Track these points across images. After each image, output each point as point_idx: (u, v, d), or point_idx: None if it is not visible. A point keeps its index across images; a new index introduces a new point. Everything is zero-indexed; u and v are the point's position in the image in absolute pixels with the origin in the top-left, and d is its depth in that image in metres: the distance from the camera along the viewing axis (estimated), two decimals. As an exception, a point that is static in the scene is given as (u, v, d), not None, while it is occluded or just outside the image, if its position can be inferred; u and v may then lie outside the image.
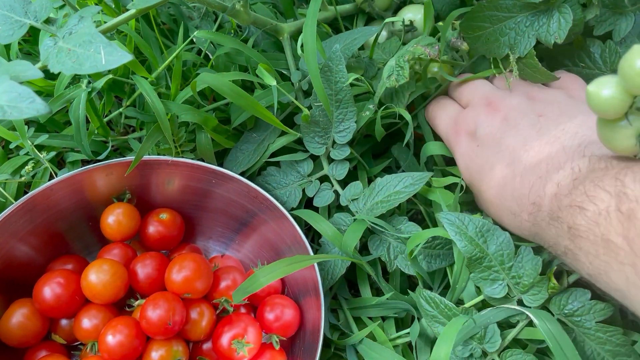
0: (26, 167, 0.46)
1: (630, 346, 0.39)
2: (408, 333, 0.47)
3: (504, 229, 0.42)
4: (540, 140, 0.39)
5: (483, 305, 0.43)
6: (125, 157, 0.50)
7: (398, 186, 0.45)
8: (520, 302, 0.41)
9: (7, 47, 0.52)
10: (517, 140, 0.40)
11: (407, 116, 0.47)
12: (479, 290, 0.44)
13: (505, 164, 0.40)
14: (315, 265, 0.45)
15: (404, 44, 0.53)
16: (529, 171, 0.38)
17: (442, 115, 0.47)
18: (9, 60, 0.42)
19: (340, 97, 0.46)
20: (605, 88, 0.30)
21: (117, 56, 0.32)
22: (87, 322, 0.47)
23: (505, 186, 0.40)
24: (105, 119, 0.54)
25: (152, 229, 0.52)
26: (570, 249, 0.34)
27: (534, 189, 0.37)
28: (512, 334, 0.42)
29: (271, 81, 0.43)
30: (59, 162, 0.56)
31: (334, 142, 0.49)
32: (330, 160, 0.50)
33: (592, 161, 0.34)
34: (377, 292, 0.51)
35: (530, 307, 0.41)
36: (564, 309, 0.40)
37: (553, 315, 0.41)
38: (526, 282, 0.40)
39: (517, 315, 0.41)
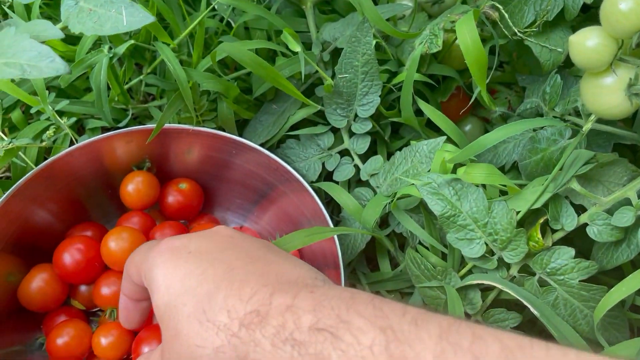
0: (47, 132, 0.46)
1: (617, 304, 0.37)
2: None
3: None
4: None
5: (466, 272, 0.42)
6: (145, 125, 0.50)
7: (416, 157, 0.44)
8: (500, 260, 0.40)
9: (28, 9, 0.52)
10: None
11: (453, 73, 0.45)
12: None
13: None
14: (336, 238, 0.45)
15: (430, 17, 0.52)
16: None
17: None
18: (31, 22, 0.41)
19: (367, 69, 0.45)
20: (589, 38, 0.30)
21: (139, 17, 0.31)
22: (106, 288, 0.47)
23: None
24: (126, 87, 0.53)
25: (172, 198, 0.52)
26: None
27: None
28: (492, 295, 0.41)
29: (296, 47, 0.42)
30: (79, 129, 0.56)
31: (356, 116, 0.48)
32: (351, 134, 0.50)
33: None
34: (395, 267, 0.50)
35: (510, 264, 0.40)
36: (546, 268, 0.39)
37: (535, 274, 0.40)
38: (503, 237, 0.39)
39: (498, 273, 0.41)
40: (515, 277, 0.40)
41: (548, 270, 0.38)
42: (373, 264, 0.54)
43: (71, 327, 0.45)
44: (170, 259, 0.33)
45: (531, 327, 0.44)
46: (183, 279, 0.31)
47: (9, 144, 0.44)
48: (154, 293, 0.33)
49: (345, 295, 0.27)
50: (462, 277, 0.41)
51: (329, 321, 0.26)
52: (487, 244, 0.39)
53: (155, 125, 0.46)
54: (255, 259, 0.32)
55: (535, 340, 0.23)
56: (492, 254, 0.40)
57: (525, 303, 0.37)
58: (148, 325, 0.44)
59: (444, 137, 0.43)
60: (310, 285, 0.30)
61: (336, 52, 0.49)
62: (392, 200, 0.44)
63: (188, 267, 0.32)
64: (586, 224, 0.37)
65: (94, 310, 0.51)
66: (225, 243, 0.34)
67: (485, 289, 0.41)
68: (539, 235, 0.37)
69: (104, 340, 0.45)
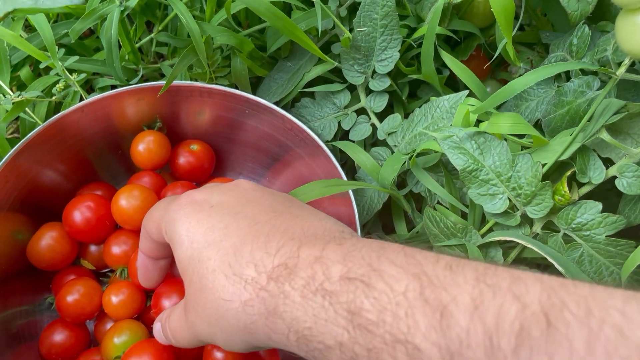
0: (57, 86, 0.45)
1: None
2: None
3: None
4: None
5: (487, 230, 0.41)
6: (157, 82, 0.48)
7: (436, 113, 0.43)
8: (524, 217, 0.39)
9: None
10: None
11: (475, 29, 0.43)
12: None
13: None
14: (352, 198, 0.44)
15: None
16: None
17: None
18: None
19: (386, 22, 0.44)
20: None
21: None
22: (116, 248, 0.46)
23: None
24: (136, 46, 0.52)
25: (183, 159, 0.51)
26: None
27: None
28: (513, 253, 0.40)
29: (314, -3, 0.41)
30: (88, 90, 0.55)
31: (373, 72, 0.47)
32: (368, 92, 0.48)
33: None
34: (411, 230, 0.49)
35: (534, 221, 0.39)
36: (571, 223, 0.37)
37: (559, 230, 0.38)
38: (527, 191, 0.37)
39: (521, 230, 0.40)
40: (538, 234, 0.39)
41: (573, 226, 0.37)
42: (387, 229, 0.53)
43: (81, 285, 0.44)
44: (192, 212, 0.32)
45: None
46: (206, 232, 0.31)
47: (18, 96, 0.43)
48: (176, 247, 0.32)
49: (375, 245, 0.27)
50: (482, 236, 0.40)
51: (360, 270, 0.25)
52: (510, 199, 0.38)
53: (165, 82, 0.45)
54: (280, 213, 0.31)
55: (578, 280, 0.22)
56: (515, 210, 0.39)
57: (550, 259, 0.36)
58: (167, 280, 0.43)
59: (466, 92, 0.42)
60: (338, 237, 0.29)
61: (353, 8, 0.47)
62: (411, 157, 0.42)
63: (211, 220, 0.31)
64: (614, 177, 0.36)
65: (104, 271, 0.50)
66: (247, 197, 0.33)
67: (507, 248, 0.40)
68: (566, 189, 0.36)
69: (115, 299, 0.44)
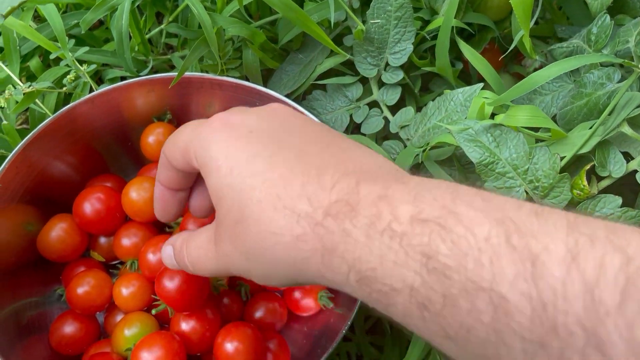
0: (68, 76, 0.45)
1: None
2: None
3: None
4: None
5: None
6: (167, 73, 0.48)
7: (450, 106, 0.42)
8: None
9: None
10: None
11: (489, 22, 0.43)
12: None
13: None
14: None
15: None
16: None
17: None
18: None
19: (400, 14, 0.43)
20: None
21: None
22: (126, 240, 0.46)
23: None
24: (146, 37, 0.52)
25: (192, 151, 0.51)
26: None
27: None
28: None
29: (328, -12, 0.40)
30: (97, 82, 0.55)
31: (386, 65, 0.46)
32: (381, 85, 0.48)
33: None
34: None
35: None
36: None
37: None
38: (545, 184, 0.37)
39: None
40: None
41: None
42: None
43: (91, 277, 0.44)
44: (230, 137, 0.29)
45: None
46: (249, 160, 0.28)
47: (28, 87, 0.43)
48: (212, 174, 0.29)
49: (444, 186, 0.24)
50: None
51: (434, 212, 0.22)
52: (527, 192, 0.37)
53: (177, 73, 0.45)
54: (327, 145, 0.28)
55: None
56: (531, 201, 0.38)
57: None
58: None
59: (481, 84, 0.41)
60: (398, 175, 0.26)
61: (367, 0, 0.47)
62: (424, 150, 0.42)
63: (253, 148, 0.28)
64: (635, 171, 0.36)
65: (113, 263, 0.50)
66: (288, 124, 0.30)
67: None
68: (585, 182, 0.35)
69: (125, 291, 0.44)
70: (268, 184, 0.27)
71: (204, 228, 0.32)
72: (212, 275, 0.32)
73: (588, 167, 0.36)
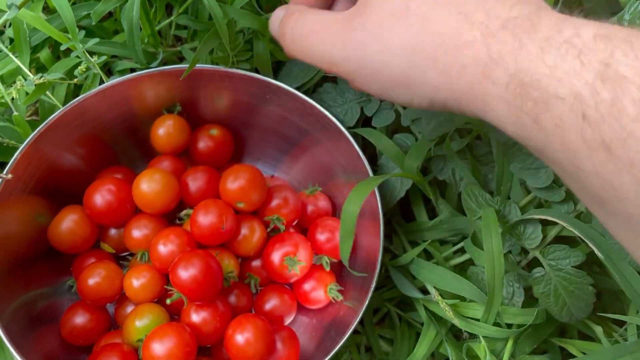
0: (80, 67, 0.44)
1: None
2: (456, 253, 0.46)
3: None
4: None
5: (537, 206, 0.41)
6: (178, 65, 0.48)
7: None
8: (569, 192, 0.39)
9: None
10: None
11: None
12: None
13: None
14: (376, 188, 0.43)
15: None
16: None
17: None
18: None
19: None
20: None
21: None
22: (137, 232, 0.46)
23: None
24: (156, 28, 0.51)
25: (202, 144, 0.51)
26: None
27: None
28: (555, 229, 0.39)
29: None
30: (106, 73, 0.54)
31: (398, 57, 0.46)
32: (392, 78, 0.47)
33: None
34: (432, 218, 0.49)
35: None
36: None
37: None
38: None
39: (564, 207, 0.39)
40: (582, 212, 0.38)
41: None
42: (406, 218, 0.52)
43: (102, 268, 0.44)
44: None
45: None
46: None
47: (40, 78, 0.43)
48: None
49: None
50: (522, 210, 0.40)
51: (619, 33, 0.22)
52: (554, 173, 0.38)
53: (187, 65, 0.45)
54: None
55: None
56: (560, 185, 0.38)
57: (587, 241, 0.35)
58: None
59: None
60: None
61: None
62: (438, 143, 0.42)
63: None
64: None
65: (123, 254, 0.50)
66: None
67: (546, 224, 0.40)
68: None
69: (136, 282, 0.44)
70: None
71: (339, 14, 0.30)
72: (314, 62, 0.30)
73: None
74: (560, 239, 0.40)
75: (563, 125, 0.22)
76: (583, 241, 0.37)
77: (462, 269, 0.45)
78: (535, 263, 0.41)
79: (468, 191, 0.41)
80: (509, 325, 0.42)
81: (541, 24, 0.24)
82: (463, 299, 0.44)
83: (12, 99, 0.45)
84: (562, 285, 0.39)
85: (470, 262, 0.44)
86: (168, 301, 0.41)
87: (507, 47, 0.24)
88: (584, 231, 0.36)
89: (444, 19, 0.26)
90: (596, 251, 0.35)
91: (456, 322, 0.41)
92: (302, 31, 0.31)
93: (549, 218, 0.37)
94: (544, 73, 0.23)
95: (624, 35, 0.22)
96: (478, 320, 0.42)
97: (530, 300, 0.42)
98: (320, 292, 0.47)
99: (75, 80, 0.46)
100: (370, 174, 0.44)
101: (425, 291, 0.46)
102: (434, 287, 0.44)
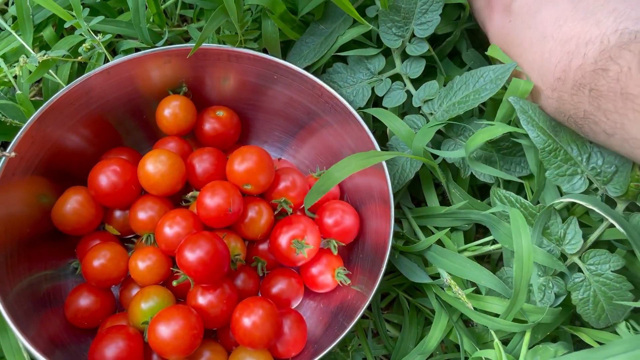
0: (84, 45, 0.43)
1: None
2: (477, 246, 0.45)
3: None
4: (575, 17, 0.37)
5: (568, 212, 0.40)
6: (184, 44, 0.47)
7: (479, 82, 0.41)
8: (604, 198, 0.38)
9: None
10: (551, 15, 0.39)
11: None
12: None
13: (536, 39, 0.39)
14: (385, 169, 0.42)
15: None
16: (559, 48, 0.37)
17: None
18: None
19: (427, -18, 0.42)
20: None
21: None
22: (142, 213, 0.46)
23: (532, 62, 0.39)
24: (161, 7, 0.50)
25: (209, 125, 0.50)
26: (589, 111, 0.35)
27: (560, 65, 0.37)
28: (594, 234, 0.39)
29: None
30: (111, 53, 0.53)
31: (412, 36, 0.45)
32: (404, 58, 0.46)
33: (623, 34, 0.33)
34: (440, 203, 0.48)
35: (616, 203, 0.38)
36: None
37: None
38: (608, 169, 0.38)
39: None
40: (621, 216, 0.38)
41: None
42: (415, 202, 0.51)
43: (107, 250, 0.44)
44: (495, 26, 0.41)
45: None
46: (509, 48, 0.40)
47: (44, 55, 0.42)
48: None
49: None
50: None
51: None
52: (589, 179, 0.37)
53: (193, 45, 0.44)
54: (564, 20, 0.37)
55: None
56: (596, 190, 0.38)
57: (621, 230, 0.35)
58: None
59: (515, 63, 0.40)
60: (607, 44, 0.34)
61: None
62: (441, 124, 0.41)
63: (510, 38, 0.40)
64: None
65: (128, 237, 0.49)
66: (539, 1, 0.39)
67: (587, 232, 0.40)
68: (639, 172, 0.35)
69: (142, 264, 0.43)
70: (521, 67, 0.40)
71: None
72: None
73: None
74: (602, 245, 0.40)
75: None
76: (622, 243, 0.37)
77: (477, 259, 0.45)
78: (571, 270, 0.41)
79: (498, 194, 0.40)
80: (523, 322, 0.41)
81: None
82: (478, 292, 0.43)
83: (15, 77, 0.44)
84: (601, 291, 0.39)
85: (480, 259, 0.44)
86: (174, 283, 0.40)
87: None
88: (617, 219, 0.35)
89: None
90: (619, 227, 0.34)
91: (470, 305, 0.40)
92: None
93: (577, 201, 0.37)
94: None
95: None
96: (492, 314, 0.41)
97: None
98: (328, 276, 0.46)
99: (80, 58, 0.45)
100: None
101: (435, 278, 0.45)
102: (449, 274, 0.43)
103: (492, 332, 0.42)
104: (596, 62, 0.34)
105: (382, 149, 0.47)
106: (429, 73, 0.49)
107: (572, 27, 0.37)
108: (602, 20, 0.35)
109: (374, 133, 0.49)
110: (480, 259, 0.50)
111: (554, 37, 0.38)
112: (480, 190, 0.49)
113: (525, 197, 0.43)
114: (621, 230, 0.35)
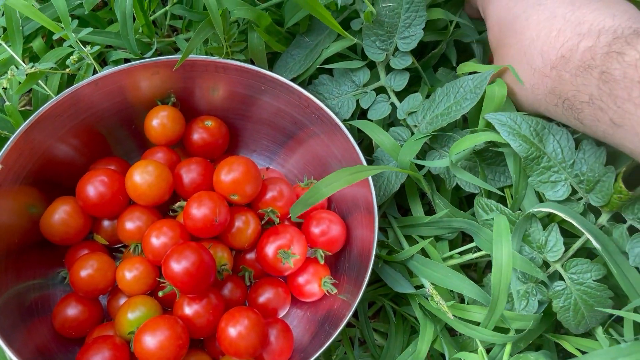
0: (72, 57, 0.44)
1: None
2: (460, 254, 0.45)
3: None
4: (590, 6, 0.37)
5: (549, 219, 0.40)
6: (172, 56, 0.47)
7: (459, 93, 0.42)
8: (587, 206, 0.39)
9: None
10: (565, 0, 0.38)
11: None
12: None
13: (545, 17, 0.38)
14: (371, 181, 0.43)
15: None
16: (570, 28, 0.37)
17: None
18: None
19: (411, -3, 0.42)
20: None
21: None
22: (130, 223, 0.46)
23: (535, 39, 0.38)
24: (150, 18, 0.51)
25: (197, 135, 0.50)
26: (596, 95, 0.34)
27: (567, 44, 0.36)
28: (577, 243, 0.39)
29: (337, -31, 0.39)
30: (100, 64, 0.54)
31: (395, 50, 0.45)
32: (388, 70, 0.47)
33: (638, 31, 0.33)
34: (426, 214, 0.48)
35: (601, 212, 0.38)
36: (638, 214, 0.37)
37: (625, 222, 0.38)
38: (591, 177, 0.38)
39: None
40: (604, 226, 0.39)
41: None
42: (401, 211, 0.52)
43: (95, 260, 0.44)
44: (502, 0, 0.41)
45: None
46: (512, 22, 0.40)
47: (32, 67, 0.42)
48: (488, 28, 0.43)
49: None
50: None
51: (619, 46, 0.32)
52: (572, 186, 0.38)
53: (181, 56, 0.44)
54: (577, 6, 0.37)
55: None
56: (576, 195, 0.39)
57: (591, 239, 0.35)
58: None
59: (492, 71, 0.41)
60: (621, 34, 0.33)
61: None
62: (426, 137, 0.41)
63: (516, 11, 0.40)
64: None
65: (116, 246, 0.49)
66: None
67: (567, 242, 0.40)
68: (622, 185, 0.36)
69: (129, 274, 0.44)
70: (520, 44, 0.39)
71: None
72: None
73: (624, 169, 0.36)
74: (583, 253, 0.41)
75: (592, 120, 0.34)
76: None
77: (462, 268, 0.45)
78: (553, 278, 0.41)
79: (481, 202, 0.41)
80: (506, 330, 0.42)
81: (573, 57, 0.35)
82: (464, 301, 0.44)
83: (4, 88, 0.45)
84: (582, 299, 0.39)
85: (466, 267, 0.44)
86: (160, 294, 0.41)
87: (554, 82, 0.37)
88: (583, 224, 0.36)
89: (517, 70, 0.40)
90: (593, 242, 0.35)
91: (450, 315, 0.41)
92: None
93: (553, 211, 0.38)
94: (574, 90, 0.35)
95: (618, 48, 0.32)
96: (475, 323, 0.42)
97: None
98: (315, 285, 0.47)
99: (68, 70, 0.45)
100: (364, 164, 0.44)
101: (419, 288, 0.45)
102: (431, 284, 0.43)
103: (477, 341, 0.42)
104: (610, 45, 0.33)
105: (368, 160, 0.47)
106: (415, 82, 0.50)
107: (585, 13, 0.36)
108: (618, 15, 0.35)
109: (360, 143, 0.50)
110: (467, 267, 0.51)
111: (565, 18, 0.37)
112: (467, 200, 0.49)
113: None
114: (596, 245, 0.36)
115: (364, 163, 0.44)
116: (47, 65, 0.44)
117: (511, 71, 0.39)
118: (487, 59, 0.50)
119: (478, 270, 0.50)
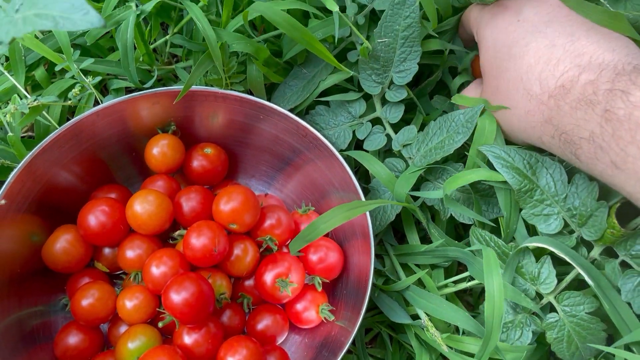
0: (73, 90, 0.45)
1: None
2: (455, 282, 0.46)
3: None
4: (589, 38, 0.36)
5: (540, 252, 0.41)
6: (171, 86, 0.48)
7: (452, 126, 0.43)
8: (580, 239, 0.40)
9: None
10: (564, 30, 0.38)
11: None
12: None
13: (544, 45, 0.38)
14: (367, 212, 0.44)
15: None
16: (569, 58, 0.36)
17: None
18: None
19: (407, 33, 0.43)
20: None
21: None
22: (130, 252, 0.47)
23: (534, 65, 0.38)
24: (151, 47, 0.52)
25: (197, 163, 0.51)
26: (597, 134, 0.33)
27: (567, 74, 0.36)
28: (570, 275, 0.40)
29: (333, 7, 0.40)
30: (102, 91, 0.55)
31: (391, 83, 0.46)
32: (384, 102, 0.48)
33: (637, 68, 0.33)
34: (422, 240, 0.49)
35: (593, 246, 0.39)
36: (631, 250, 0.38)
37: (618, 256, 0.39)
38: (583, 212, 0.38)
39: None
40: (596, 259, 0.39)
41: (633, 253, 0.37)
42: (398, 237, 0.53)
43: (96, 289, 0.45)
44: (500, 24, 0.41)
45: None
46: (510, 46, 0.39)
47: (34, 100, 0.43)
48: (482, 50, 0.42)
49: None
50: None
51: (624, 85, 0.31)
52: (565, 220, 0.39)
53: (181, 87, 0.45)
54: (577, 38, 0.37)
55: None
56: (568, 229, 0.39)
57: (583, 274, 0.36)
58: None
59: (482, 105, 0.41)
60: (622, 70, 0.33)
61: (372, 15, 0.46)
62: (422, 169, 0.42)
63: (515, 36, 0.39)
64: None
65: (117, 273, 0.50)
66: (552, 14, 0.39)
67: (561, 272, 0.41)
68: (614, 220, 0.36)
69: (129, 303, 0.44)
70: (517, 68, 0.38)
71: (476, 87, 0.46)
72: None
73: (618, 204, 0.36)
74: (571, 285, 0.41)
75: (591, 157, 0.33)
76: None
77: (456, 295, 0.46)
78: (546, 308, 0.42)
79: (475, 233, 0.42)
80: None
81: (574, 89, 0.35)
82: (457, 331, 0.44)
83: (7, 121, 0.45)
84: (575, 331, 0.40)
85: (462, 292, 0.45)
86: (160, 324, 0.42)
87: (552, 112, 0.36)
88: (576, 259, 0.37)
89: (514, 96, 0.39)
90: (586, 277, 0.35)
91: (445, 348, 0.42)
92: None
93: (545, 246, 0.38)
94: (573, 124, 0.34)
95: (623, 86, 0.31)
96: (470, 355, 0.42)
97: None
98: (312, 312, 0.48)
99: (70, 102, 0.46)
100: (361, 195, 0.45)
101: (416, 317, 0.46)
102: (426, 314, 0.44)
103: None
104: (613, 82, 0.32)
105: (364, 188, 0.48)
106: (411, 109, 0.50)
107: (585, 45, 0.36)
108: (617, 50, 0.35)
109: (357, 171, 0.51)
110: (463, 291, 0.52)
111: (564, 48, 0.36)
112: (463, 226, 0.50)
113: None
114: (588, 281, 0.37)
115: (361, 193, 0.45)
116: (50, 98, 0.44)
117: (502, 107, 0.40)
118: (473, 72, 0.50)
119: (474, 295, 0.51)
